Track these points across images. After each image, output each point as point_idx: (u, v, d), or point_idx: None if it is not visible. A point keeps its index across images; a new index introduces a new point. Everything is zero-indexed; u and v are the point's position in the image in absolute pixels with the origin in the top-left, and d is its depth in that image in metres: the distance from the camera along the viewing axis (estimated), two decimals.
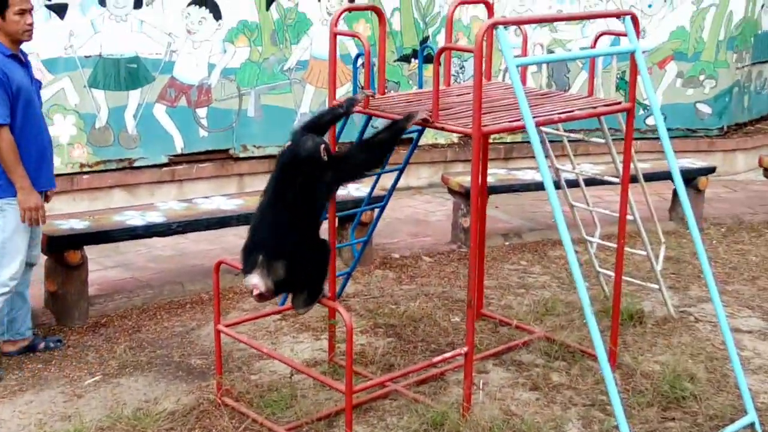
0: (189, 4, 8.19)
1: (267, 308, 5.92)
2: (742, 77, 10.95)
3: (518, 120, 4.32)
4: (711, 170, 8.21)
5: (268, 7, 8.58)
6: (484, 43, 4.23)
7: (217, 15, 8.33)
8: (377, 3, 8.93)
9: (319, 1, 8.80)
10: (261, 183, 8.62)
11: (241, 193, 7.29)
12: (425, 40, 9.33)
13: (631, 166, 5.12)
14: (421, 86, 5.51)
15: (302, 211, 4.10)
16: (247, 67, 8.61)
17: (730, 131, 10.83)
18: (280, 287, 4.18)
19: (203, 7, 8.25)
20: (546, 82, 9.69)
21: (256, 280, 4.06)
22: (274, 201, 4.14)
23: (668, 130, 10.20)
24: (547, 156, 5.56)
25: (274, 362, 5.13)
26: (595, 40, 5.26)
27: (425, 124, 4.46)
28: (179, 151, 8.41)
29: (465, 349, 4.41)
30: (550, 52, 9.66)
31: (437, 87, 4.38)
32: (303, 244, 4.12)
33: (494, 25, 4.15)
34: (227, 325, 4.91)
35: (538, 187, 7.59)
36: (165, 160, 8.33)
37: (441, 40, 9.29)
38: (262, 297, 4.16)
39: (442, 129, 4.41)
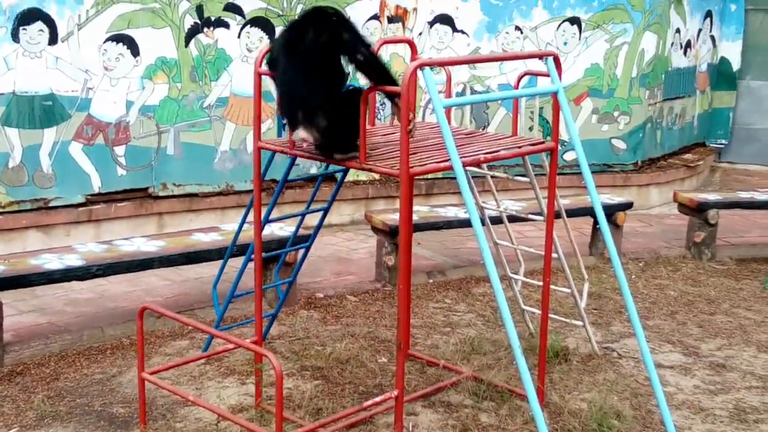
0: (106, 41, 8.05)
1: (191, 354, 5.81)
2: (655, 113, 11.23)
3: (446, 161, 4.33)
4: (628, 205, 8.37)
5: (187, 44, 8.49)
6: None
7: (134, 51, 8.20)
8: None
9: (238, 38, 8.74)
10: (181, 222, 8.60)
11: (161, 234, 7.14)
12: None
13: (556, 202, 5.18)
14: None
15: (330, 67, 4.45)
16: (167, 104, 8.49)
17: (644, 166, 11.08)
18: (325, 135, 4.44)
19: (120, 44, 8.12)
20: (467, 119, 9.78)
21: (303, 134, 4.48)
22: (302, 61, 4.40)
23: None
24: (471, 191, 5.59)
25: (200, 409, 5.01)
26: (518, 80, 5.32)
27: (353, 165, 4.44)
28: (96, 190, 8.22)
29: (395, 392, 4.37)
30: (471, 89, 9.77)
31: (364, 128, 4.36)
32: (334, 95, 4.46)
33: (420, 67, 4.15)
34: (152, 373, 4.78)
35: (461, 223, 7.64)
36: (82, 199, 8.13)
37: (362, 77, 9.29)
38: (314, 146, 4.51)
39: (370, 170, 4.39)
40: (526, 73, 5.35)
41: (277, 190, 5.34)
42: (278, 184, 5.28)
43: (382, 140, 4.97)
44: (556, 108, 4.82)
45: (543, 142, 4.97)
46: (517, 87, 5.41)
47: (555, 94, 4.76)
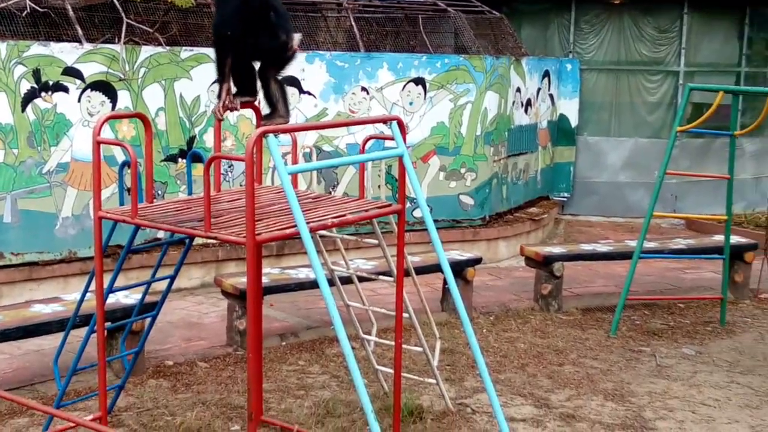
0: None
1: None
2: (500, 169, 11.54)
3: (292, 227, 4.30)
4: (477, 261, 8.52)
5: (23, 109, 8.21)
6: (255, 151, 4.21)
7: None
8: (140, 105, 8.78)
9: (79, 102, 8.52)
10: (20, 292, 8.23)
11: None
12: (192, 139, 9.22)
13: (405, 261, 5.21)
14: (190, 191, 5.40)
15: None
16: (2, 171, 8.16)
17: (492, 220, 11.35)
18: None
19: None
20: (315, 179, 9.82)
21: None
22: None
23: (435, 221, 10.60)
24: (320, 253, 5.58)
25: None
26: (364, 144, 5.36)
27: (198, 234, 4.35)
28: None
29: None
30: (319, 149, 9.82)
31: (208, 196, 4.29)
32: None
33: (264, 134, 4.13)
34: None
35: (313, 285, 7.58)
36: None
37: (208, 139, 9.22)
38: None
39: (215, 239, 4.31)
40: (371, 137, 5.40)
41: (121, 258, 5.20)
42: (122, 251, 5.13)
43: (227, 206, 4.92)
44: (402, 171, 4.87)
45: (390, 205, 5.02)
46: (362, 150, 5.45)
47: (401, 158, 4.80)
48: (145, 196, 4.92)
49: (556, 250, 8.85)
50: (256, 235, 4.14)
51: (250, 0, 4.94)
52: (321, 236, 5.75)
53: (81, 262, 8.63)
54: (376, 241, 5.43)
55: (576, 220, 13.61)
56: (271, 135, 4.13)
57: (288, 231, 4.32)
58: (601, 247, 9.10)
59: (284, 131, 4.39)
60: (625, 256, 8.62)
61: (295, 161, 5.45)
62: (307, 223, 4.35)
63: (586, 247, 9.12)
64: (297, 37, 5.11)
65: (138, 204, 4.75)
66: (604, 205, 13.75)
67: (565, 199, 13.81)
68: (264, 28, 4.97)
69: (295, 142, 5.33)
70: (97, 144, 4.61)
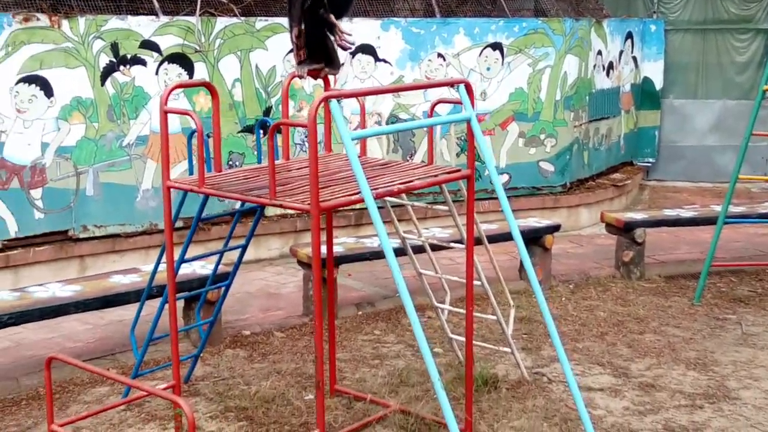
0: (17, 82, 7.84)
1: (110, 401, 5.62)
2: (581, 135, 11.30)
3: (356, 193, 4.25)
4: (556, 228, 8.35)
5: (103, 83, 8.32)
6: (323, 116, 4.16)
7: (48, 92, 8.01)
8: (216, 76, 8.82)
9: (156, 75, 8.59)
10: (103, 264, 8.38)
11: (78, 278, 6.93)
12: (268, 110, 9.23)
13: (477, 229, 5.12)
14: (260, 160, 5.40)
15: None
16: (84, 145, 8.29)
17: (573, 187, 11.13)
18: None
19: (33, 85, 7.92)
20: (392, 147, 9.76)
21: None
22: None
23: (513, 189, 10.53)
24: (386, 223, 5.52)
25: None
26: (432, 108, 5.26)
27: (262, 202, 4.33)
28: (13, 236, 7.98)
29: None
30: (395, 117, 9.74)
31: (272, 164, 4.26)
32: None
33: (327, 99, 4.08)
34: (63, 424, 4.58)
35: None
36: None
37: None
38: None
39: (280, 206, 4.28)
40: (440, 101, 5.30)
41: (192, 229, 5.22)
42: (192, 222, 5.16)
43: (297, 174, 4.89)
44: (471, 136, 4.77)
45: (459, 170, 4.92)
46: (431, 115, 5.35)
47: (468, 122, 4.70)
48: (214, 166, 4.92)
49: (638, 216, 8.63)
50: (320, 202, 4.10)
51: None
52: (393, 205, 5.69)
53: (161, 234, 8.74)
54: (447, 209, 5.34)
55: (661, 186, 13.26)
56: (333, 100, 4.07)
57: (353, 198, 4.27)
58: (685, 213, 8.84)
59: (349, 96, 4.33)
60: (710, 221, 8.34)
61: (363, 127, 5.38)
62: (375, 189, 4.30)
63: (669, 213, 8.88)
64: None
65: (207, 173, 4.76)
66: (691, 170, 13.36)
67: (649, 164, 13.46)
68: None
69: (363, 108, 5.26)
70: (164, 113, 4.62)
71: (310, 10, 4.83)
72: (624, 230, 8.40)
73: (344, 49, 5.02)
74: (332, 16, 4.86)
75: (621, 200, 11.77)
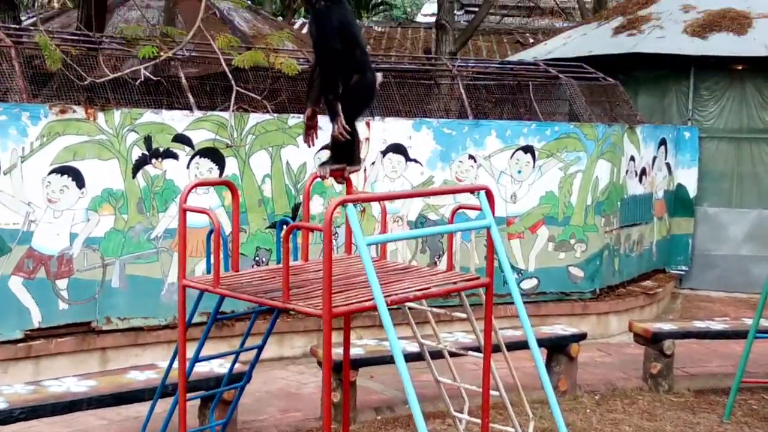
0: (50, 173, 7.95)
1: None
2: (612, 240, 11.19)
3: (371, 299, 4.18)
4: (582, 336, 8.19)
5: (134, 175, 8.40)
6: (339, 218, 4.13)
7: (80, 183, 8.10)
8: (246, 171, 8.89)
9: (188, 168, 8.67)
10: (125, 357, 8.32)
11: (95, 373, 6.87)
12: (297, 206, 9.25)
13: (495, 336, 5.02)
14: (279, 260, 5.36)
15: None
16: (112, 236, 8.33)
17: (603, 294, 10.98)
18: None
19: (65, 176, 8.02)
20: (420, 248, 9.71)
21: None
22: None
23: (542, 293, 10.40)
24: (406, 324, 5.43)
25: None
26: (452, 215, 5.22)
27: (275, 305, 4.28)
28: (36, 326, 7.97)
29: None
30: (423, 217, 9.72)
31: (287, 266, 4.22)
32: None
33: (343, 203, 4.05)
34: None
35: (413, 357, 7.42)
36: (20, 335, 7.88)
37: (313, 207, 9.22)
38: None
39: (293, 310, 4.23)
40: (460, 207, 5.25)
41: (207, 327, 5.18)
42: (209, 319, 5.11)
43: (313, 276, 4.83)
44: (490, 243, 4.71)
45: (478, 278, 4.85)
46: (451, 220, 5.31)
47: (488, 229, 4.65)
48: (231, 265, 4.89)
49: (666, 327, 8.44)
50: (332, 308, 4.04)
51: (348, 25, 4.87)
52: (410, 308, 5.61)
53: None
54: (464, 316, 5.24)
55: (695, 295, 13.03)
56: (350, 204, 4.04)
57: (366, 304, 4.21)
58: (716, 325, 8.63)
59: (366, 200, 4.30)
60: (740, 335, 8.12)
61: (384, 231, 5.34)
62: (390, 295, 4.24)
63: (699, 325, 8.66)
64: (380, 76, 5.02)
65: (224, 272, 4.73)
66: (725, 280, 13.13)
67: (682, 272, 13.26)
68: (351, 66, 4.88)
69: (384, 212, 5.23)
70: (183, 211, 4.62)
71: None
72: (652, 341, 8.22)
73: (337, 139, 4.97)
74: (339, 105, 4.85)
75: (652, 308, 11.57)
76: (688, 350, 9.21)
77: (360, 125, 9.25)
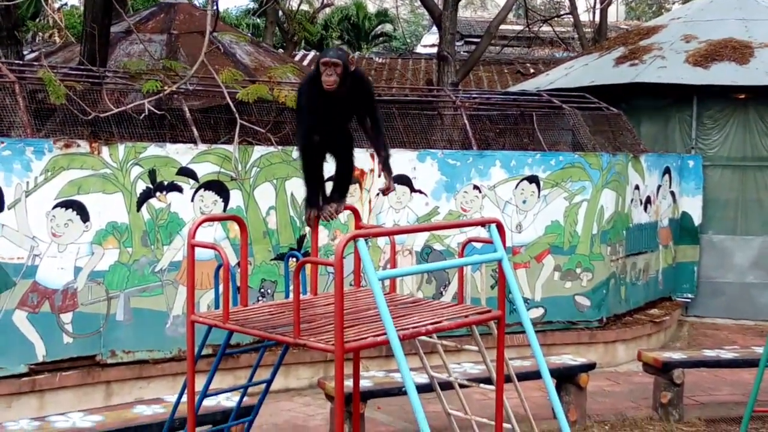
0: (54, 207, 7.92)
1: None
2: (618, 269, 11.15)
3: (383, 334, 4.14)
4: (591, 366, 8.14)
5: (138, 208, 8.37)
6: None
7: (84, 217, 8.07)
8: (251, 203, 8.86)
9: (192, 201, 8.64)
10: (130, 390, 8.26)
11: (102, 408, 6.82)
12: (302, 238, 9.22)
13: (507, 368, 4.97)
14: (287, 294, 5.33)
15: None
16: (117, 270, 8.29)
17: (610, 322, 10.92)
18: None
19: (69, 210, 7.99)
20: (426, 278, 9.67)
21: None
22: None
23: (549, 323, 10.35)
24: (416, 355, 5.38)
25: None
26: (462, 248, 5.19)
27: (286, 341, 4.24)
28: (41, 360, 7.92)
29: None
30: (429, 248, 9.68)
31: (297, 301, 4.19)
32: None
33: (354, 238, 4.02)
34: None
35: (421, 388, 7.35)
36: (24, 369, 7.82)
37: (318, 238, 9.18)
38: None
39: (303, 346, 4.19)
40: (469, 240, 5.23)
41: (216, 362, 5.13)
42: (218, 353, 5.06)
43: (322, 311, 4.80)
44: (501, 277, 4.67)
45: (489, 311, 4.81)
46: (461, 254, 5.28)
47: (500, 262, 4.61)
48: (240, 300, 4.86)
49: (676, 356, 8.39)
50: (344, 343, 4.00)
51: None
52: (421, 340, 5.56)
53: None
54: (476, 348, 5.20)
55: (701, 323, 12.96)
56: (361, 239, 4.01)
57: (379, 339, 4.16)
58: (726, 354, 8.57)
59: (377, 235, 4.27)
60: (751, 363, 8.07)
61: (393, 264, 5.30)
62: (401, 329, 4.20)
63: (709, 353, 8.61)
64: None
65: (233, 307, 4.69)
66: (731, 307, 13.07)
67: (689, 300, 13.20)
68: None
69: (393, 246, 5.20)
70: (191, 247, 4.58)
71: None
72: (662, 370, 8.16)
73: (386, 193, 5.23)
74: None
75: (659, 336, 11.51)
76: (697, 378, 9.15)
77: (365, 156, 9.28)
